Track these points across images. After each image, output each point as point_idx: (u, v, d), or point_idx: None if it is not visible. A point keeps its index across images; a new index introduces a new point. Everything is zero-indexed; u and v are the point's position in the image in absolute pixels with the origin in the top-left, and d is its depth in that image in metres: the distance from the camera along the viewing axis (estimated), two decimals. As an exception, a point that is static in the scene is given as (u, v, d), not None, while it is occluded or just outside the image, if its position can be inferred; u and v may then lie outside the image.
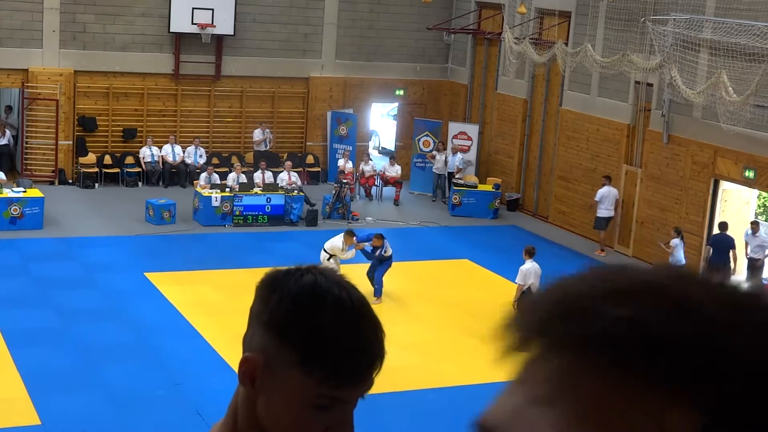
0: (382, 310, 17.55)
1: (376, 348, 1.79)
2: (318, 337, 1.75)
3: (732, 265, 18.97)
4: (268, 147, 25.93)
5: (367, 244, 17.75)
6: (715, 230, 19.77)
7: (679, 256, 19.67)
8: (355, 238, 17.60)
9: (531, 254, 15.82)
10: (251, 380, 1.77)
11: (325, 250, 17.55)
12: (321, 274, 1.86)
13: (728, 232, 19.24)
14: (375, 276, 17.66)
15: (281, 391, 1.75)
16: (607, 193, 21.88)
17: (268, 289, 1.87)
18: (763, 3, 18.63)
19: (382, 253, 17.61)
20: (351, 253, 17.55)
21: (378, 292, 17.65)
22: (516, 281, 15.79)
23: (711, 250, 19.18)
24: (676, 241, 19.64)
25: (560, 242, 22.75)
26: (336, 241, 17.55)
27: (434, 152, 26.17)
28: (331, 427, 1.76)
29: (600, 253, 22.00)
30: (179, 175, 25.26)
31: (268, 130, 25.92)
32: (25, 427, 12.14)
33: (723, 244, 19.01)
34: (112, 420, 12.59)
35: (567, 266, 18.26)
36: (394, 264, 19.40)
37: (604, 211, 21.93)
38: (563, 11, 23.67)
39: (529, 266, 15.65)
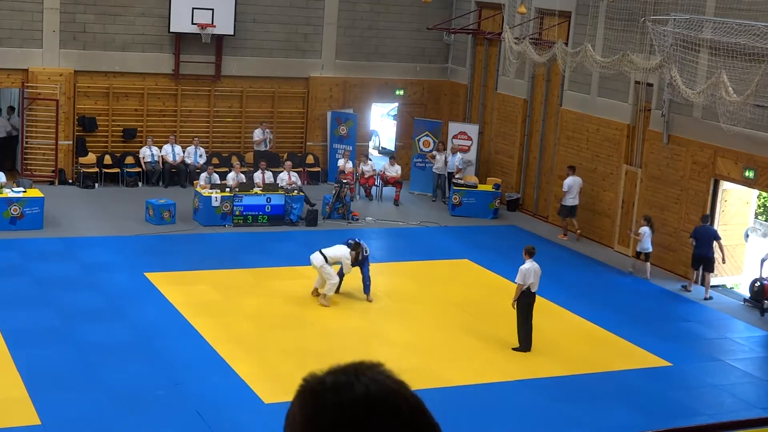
0: (381, 310, 17.56)
1: None
2: None
3: (718, 255, 19.29)
4: (268, 147, 25.92)
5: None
6: (723, 226, 19.84)
7: (647, 243, 20.22)
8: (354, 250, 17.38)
9: (531, 254, 15.77)
10: None
11: (324, 257, 17.31)
12: (372, 381, 1.67)
13: (714, 225, 19.71)
14: (364, 274, 17.62)
15: None
16: (572, 182, 22.72)
17: (312, 409, 1.67)
18: (763, 3, 18.62)
19: (364, 254, 17.55)
20: (350, 268, 17.47)
21: (368, 290, 17.64)
22: (516, 281, 15.74)
23: (694, 242, 19.50)
24: (645, 229, 20.19)
25: (560, 242, 22.75)
26: (345, 252, 17.29)
27: (434, 152, 26.16)
28: None
29: (563, 237, 23.08)
30: (179, 175, 25.25)
31: (268, 130, 25.92)
32: (25, 427, 12.13)
33: (706, 236, 19.37)
34: (112, 420, 12.58)
35: (567, 266, 18.41)
36: (395, 264, 19.43)
37: (570, 200, 22.80)
38: (563, 11, 23.67)
39: (529, 266, 15.61)
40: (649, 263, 20.32)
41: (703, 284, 19.63)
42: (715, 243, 19.29)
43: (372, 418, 1.62)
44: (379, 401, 1.64)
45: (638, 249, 20.50)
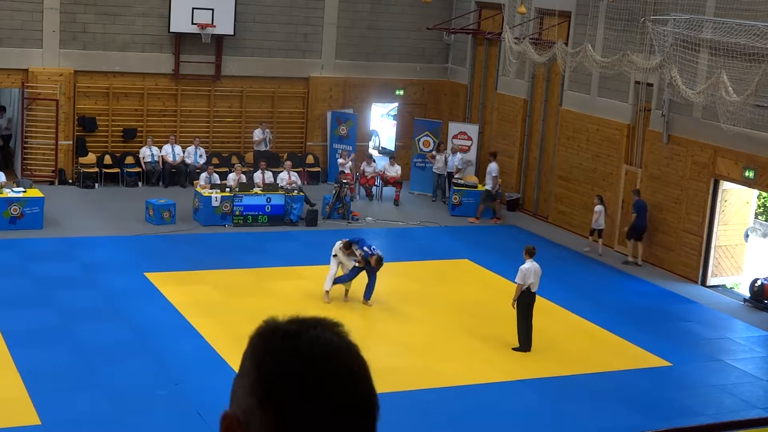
0: (381, 310, 17.54)
1: (369, 414, 1.73)
2: (297, 413, 1.69)
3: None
4: (268, 147, 25.90)
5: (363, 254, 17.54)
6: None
7: (601, 221, 21.81)
8: (354, 247, 17.36)
9: (531, 254, 15.74)
10: None
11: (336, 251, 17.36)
12: (321, 337, 1.75)
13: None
14: (370, 280, 17.48)
15: None
16: (496, 168, 24.14)
17: (253, 346, 1.78)
18: (763, 3, 18.62)
19: (372, 266, 17.47)
20: (351, 264, 17.41)
21: (368, 295, 17.54)
22: (516, 281, 15.71)
23: (636, 215, 20.99)
24: (599, 208, 21.75)
25: (560, 242, 22.75)
26: (339, 245, 17.40)
27: (434, 152, 26.14)
28: None
29: (475, 221, 24.12)
30: (179, 175, 25.25)
31: (268, 130, 25.91)
32: (25, 427, 12.13)
33: (643, 208, 21.06)
34: (112, 420, 12.59)
35: (567, 266, 18.38)
36: (395, 264, 19.41)
37: (491, 183, 24.10)
38: (563, 11, 23.67)
39: (529, 266, 15.57)
40: (601, 240, 21.79)
41: (635, 255, 21.26)
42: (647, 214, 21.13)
43: (295, 375, 1.71)
44: (309, 356, 1.72)
45: (594, 227, 21.84)
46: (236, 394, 1.78)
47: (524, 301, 15.60)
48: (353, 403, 1.72)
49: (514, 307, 15.71)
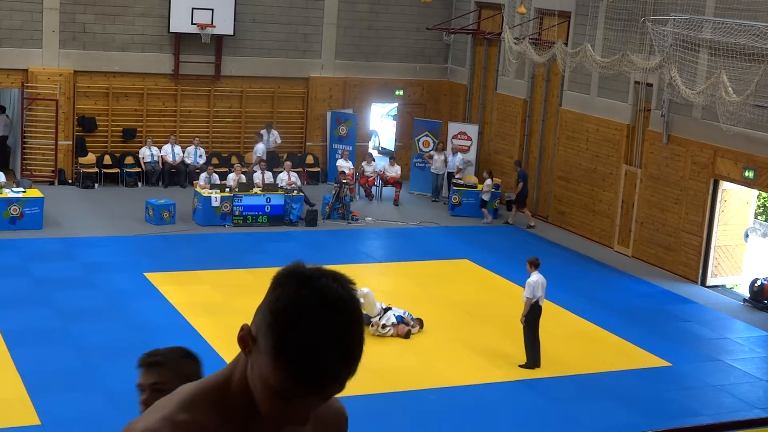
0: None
1: (348, 365, 1.99)
2: (291, 347, 1.98)
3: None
4: (268, 145, 25.70)
5: None
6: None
7: (491, 194, 24.20)
8: None
9: (536, 266, 14.91)
10: (244, 346, 2.11)
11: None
12: (325, 276, 2.04)
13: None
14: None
15: (258, 368, 2.06)
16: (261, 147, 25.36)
17: (276, 282, 2.07)
18: (763, 3, 18.62)
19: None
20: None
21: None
22: (525, 296, 14.94)
23: (522, 185, 23.59)
24: (489, 182, 24.03)
25: (560, 243, 22.75)
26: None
27: (432, 153, 26.13)
28: (289, 415, 2.05)
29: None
30: (179, 175, 25.25)
31: (274, 131, 25.75)
32: (25, 427, 12.13)
33: (525, 177, 23.74)
34: (112, 420, 12.57)
35: (566, 267, 18.34)
36: (395, 264, 19.41)
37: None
38: (563, 11, 23.67)
39: (536, 278, 14.82)
40: (486, 210, 24.12)
41: (523, 218, 23.79)
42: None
43: (300, 316, 1.98)
44: (316, 305, 1.99)
45: (487, 199, 24.09)
46: (257, 312, 2.10)
47: (532, 315, 14.91)
48: (339, 349, 1.98)
49: (522, 322, 14.99)
